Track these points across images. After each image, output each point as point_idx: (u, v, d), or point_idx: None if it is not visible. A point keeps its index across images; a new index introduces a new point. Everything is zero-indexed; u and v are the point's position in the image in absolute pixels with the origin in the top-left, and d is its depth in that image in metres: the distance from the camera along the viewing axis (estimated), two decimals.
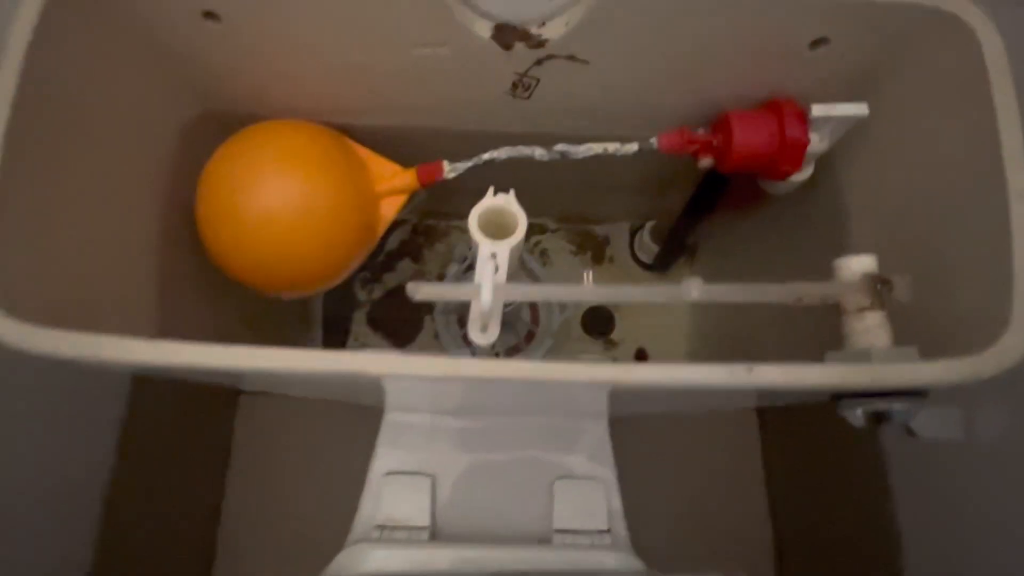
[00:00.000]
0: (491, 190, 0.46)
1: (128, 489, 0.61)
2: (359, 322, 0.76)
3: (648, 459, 0.69)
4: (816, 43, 0.46)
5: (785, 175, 0.52)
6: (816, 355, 0.56)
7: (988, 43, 0.41)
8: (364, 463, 0.57)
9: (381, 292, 0.77)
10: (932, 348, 0.37)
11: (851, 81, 0.49)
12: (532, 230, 0.80)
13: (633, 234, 0.78)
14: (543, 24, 0.47)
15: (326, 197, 0.49)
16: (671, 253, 0.73)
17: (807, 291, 0.39)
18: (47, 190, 0.40)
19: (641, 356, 0.75)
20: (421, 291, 0.38)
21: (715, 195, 0.60)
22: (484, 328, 0.42)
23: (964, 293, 0.41)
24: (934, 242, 0.44)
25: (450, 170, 0.52)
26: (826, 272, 0.57)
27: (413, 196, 0.55)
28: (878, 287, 0.39)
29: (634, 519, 0.57)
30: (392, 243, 0.78)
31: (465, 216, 0.80)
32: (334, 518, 0.57)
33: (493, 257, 0.43)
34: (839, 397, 0.39)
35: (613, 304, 0.77)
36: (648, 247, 0.75)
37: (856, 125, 0.49)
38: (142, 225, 0.50)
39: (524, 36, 0.47)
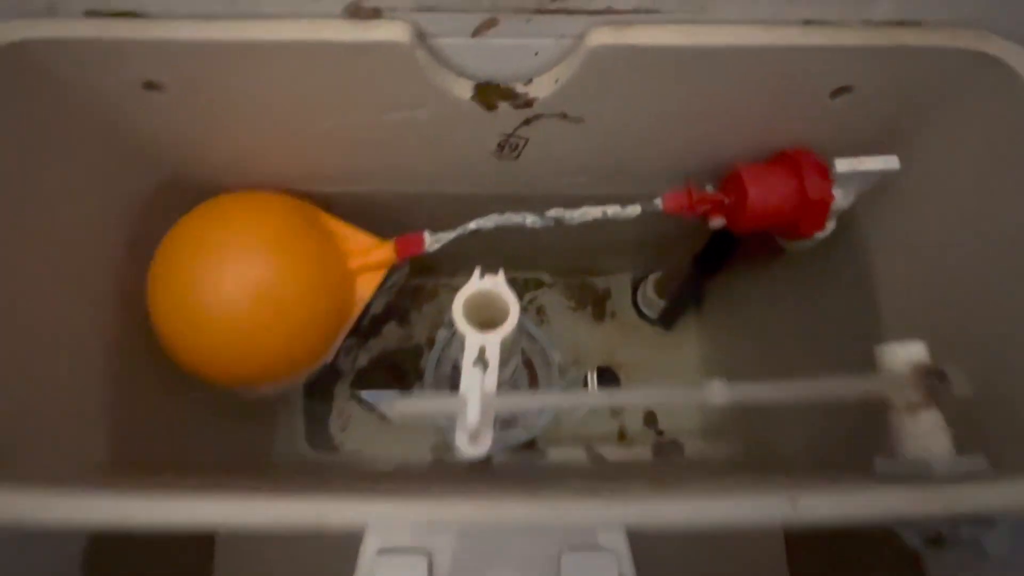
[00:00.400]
0: (477, 272, 0.40)
1: None
2: (342, 395, 0.70)
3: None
4: (838, 92, 0.41)
5: (804, 235, 0.47)
6: (846, 428, 0.51)
7: None
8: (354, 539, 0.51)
9: (366, 360, 0.71)
10: (993, 449, 0.32)
11: (877, 131, 0.44)
12: (527, 285, 0.75)
13: (636, 287, 0.73)
14: (530, 82, 0.42)
15: (294, 281, 0.44)
16: (677, 309, 0.67)
17: (849, 388, 0.34)
18: None
19: (650, 420, 0.70)
20: (400, 410, 0.33)
21: (725, 252, 0.54)
22: (475, 438, 0.36)
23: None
24: (981, 315, 0.39)
25: (432, 242, 0.47)
26: (850, 338, 0.52)
27: (393, 271, 0.49)
28: (933, 382, 0.33)
29: None
30: (377, 307, 0.72)
31: (455, 275, 0.75)
32: None
33: (482, 355, 0.38)
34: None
35: (619, 362, 0.72)
36: (652, 301, 0.69)
37: (887, 178, 0.44)
38: (91, 316, 0.44)
39: (509, 95, 0.42)
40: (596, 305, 0.73)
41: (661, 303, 0.68)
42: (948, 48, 0.38)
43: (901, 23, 0.38)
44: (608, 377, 0.70)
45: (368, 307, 0.49)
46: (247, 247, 0.43)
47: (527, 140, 0.46)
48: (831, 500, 0.28)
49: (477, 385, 0.33)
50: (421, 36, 0.38)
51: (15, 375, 0.37)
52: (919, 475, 0.32)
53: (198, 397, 0.50)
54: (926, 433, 0.33)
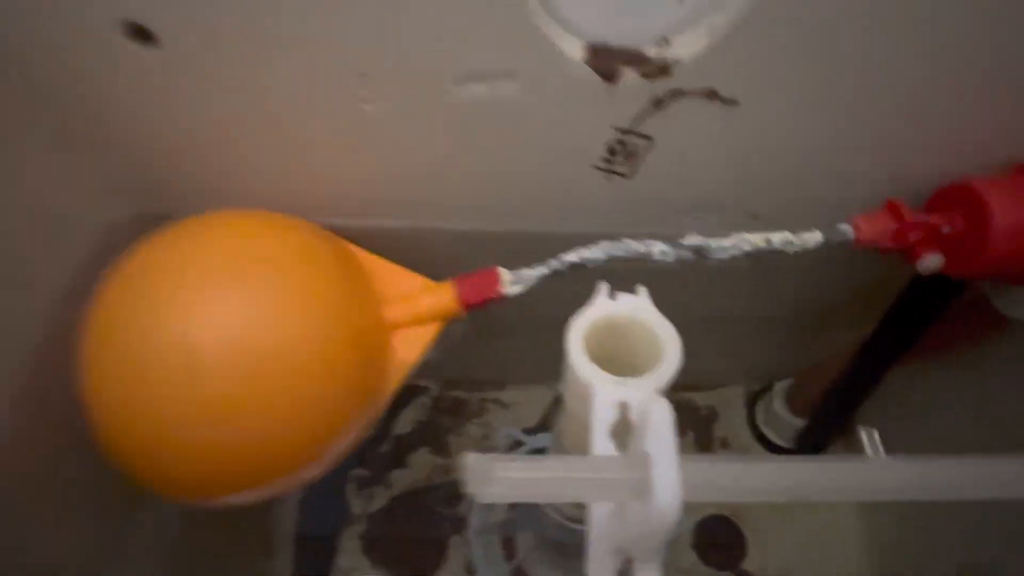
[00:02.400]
0: (602, 288, 0.26)
1: None
2: (351, 548, 0.51)
3: None
4: None
5: None
6: None
7: None
8: None
9: (385, 500, 0.53)
10: None
11: None
12: None
13: (754, 401, 0.56)
14: (665, 41, 0.30)
15: (300, 328, 0.30)
16: (828, 427, 0.50)
17: None
18: None
19: None
20: (494, 484, 0.16)
21: (926, 320, 0.39)
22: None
23: None
24: None
25: (513, 282, 0.33)
26: None
27: (449, 329, 0.35)
28: None
29: None
30: (403, 424, 0.56)
31: (504, 386, 0.59)
32: None
33: (621, 414, 0.22)
34: None
35: (739, 509, 0.53)
36: (782, 420, 0.53)
37: None
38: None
39: (636, 59, 0.30)
40: (699, 429, 0.56)
41: (798, 421, 0.51)
42: None
43: None
44: (725, 537, 0.51)
45: (394, 414, 0.33)
46: (229, 273, 0.30)
47: (650, 141, 0.34)
48: None
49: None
50: None
51: None
52: None
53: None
54: None
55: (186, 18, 0.28)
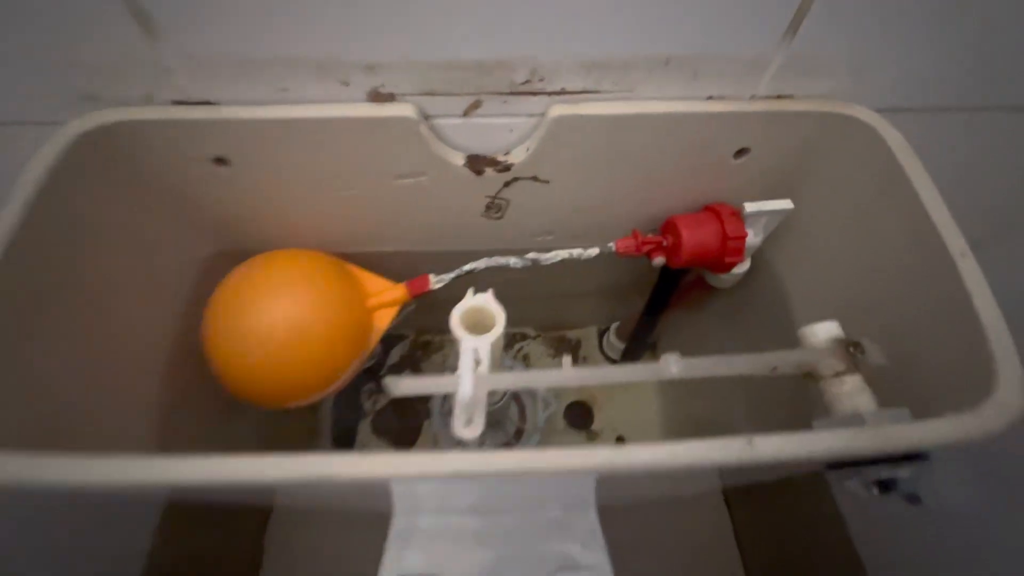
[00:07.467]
0: (470, 291, 0.38)
1: None
2: (364, 431, 0.64)
3: (634, 544, 0.55)
4: (740, 153, 0.42)
5: (729, 267, 0.45)
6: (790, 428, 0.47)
7: (889, 136, 0.37)
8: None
9: (384, 402, 0.66)
10: (918, 411, 0.28)
11: (774, 181, 0.44)
12: (514, 338, 0.71)
13: (601, 335, 0.70)
14: (508, 153, 0.42)
15: (321, 314, 0.41)
16: (635, 349, 0.64)
17: (782, 360, 0.31)
18: (40, 311, 0.32)
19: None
20: (400, 387, 0.29)
21: (669, 291, 0.52)
22: (469, 422, 0.32)
23: (935, 354, 0.32)
24: (887, 310, 0.37)
25: (436, 281, 0.45)
26: (774, 344, 0.49)
27: (404, 308, 0.47)
28: (850, 350, 0.30)
29: None
30: (393, 357, 0.69)
31: None
32: None
33: (475, 352, 0.35)
34: (835, 467, 0.29)
35: (591, 396, 0.67)
36: (615, 345, 0.66)
37: (785, 219, 0.43)
38: (148, 350, 0.41)
39: (492, 163, 0.42)
40: (570, 352, 0.70)
41: (622, 346, 0.65)
42: (813, 112, 0.39)
43: (779, 96, 0.39)
44: (582, 412, 0.66)
45: (388, 351, 0.44)
46: (284, 286, 0.41)
47: (509, 201, 0.45)
48: (782, 440, 0.25)
49: (469, 366, 0.30)
50: (424, 115, 0.38)
51: (85, 375, 0.33)
52: (855, 426, 0.28)
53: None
54: (852, 393, 0.30)
55: (251, 152, 0.39)
